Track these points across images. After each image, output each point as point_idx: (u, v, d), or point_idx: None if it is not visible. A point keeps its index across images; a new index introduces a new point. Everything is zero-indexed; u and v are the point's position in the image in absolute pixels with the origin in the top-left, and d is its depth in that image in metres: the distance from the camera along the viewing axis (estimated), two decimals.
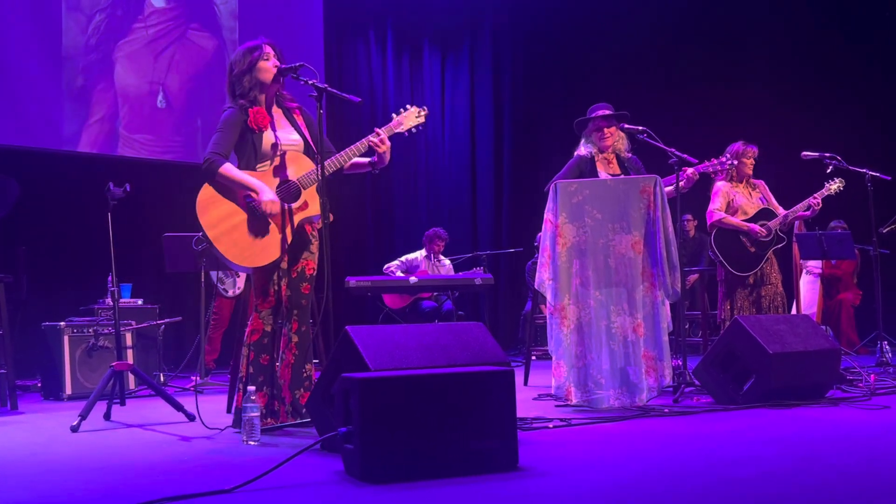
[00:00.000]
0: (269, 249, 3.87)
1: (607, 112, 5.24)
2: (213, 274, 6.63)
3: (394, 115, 4.19)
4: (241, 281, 6.85)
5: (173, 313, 6.66)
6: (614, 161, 5.27)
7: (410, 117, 4.17)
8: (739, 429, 3.71)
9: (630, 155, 5.32)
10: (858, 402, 4.39)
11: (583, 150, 5.29)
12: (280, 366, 4.02)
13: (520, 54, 10.90)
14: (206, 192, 3.88)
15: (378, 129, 4.06)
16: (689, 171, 5.06)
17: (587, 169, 5.19)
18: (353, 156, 4.03)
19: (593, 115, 5.27)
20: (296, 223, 3.92)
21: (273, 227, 3.88)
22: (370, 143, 4.02)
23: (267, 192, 3.84)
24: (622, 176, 5.11)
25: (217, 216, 3.85)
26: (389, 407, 2.76)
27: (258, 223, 3.87)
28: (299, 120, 4.10)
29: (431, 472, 2.77)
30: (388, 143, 4.07)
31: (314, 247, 4.06)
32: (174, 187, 7.39)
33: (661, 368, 4.47)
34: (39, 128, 7.60)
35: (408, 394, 2.80)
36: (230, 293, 6.80)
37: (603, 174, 5.18)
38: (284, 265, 3.99)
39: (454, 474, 2.78)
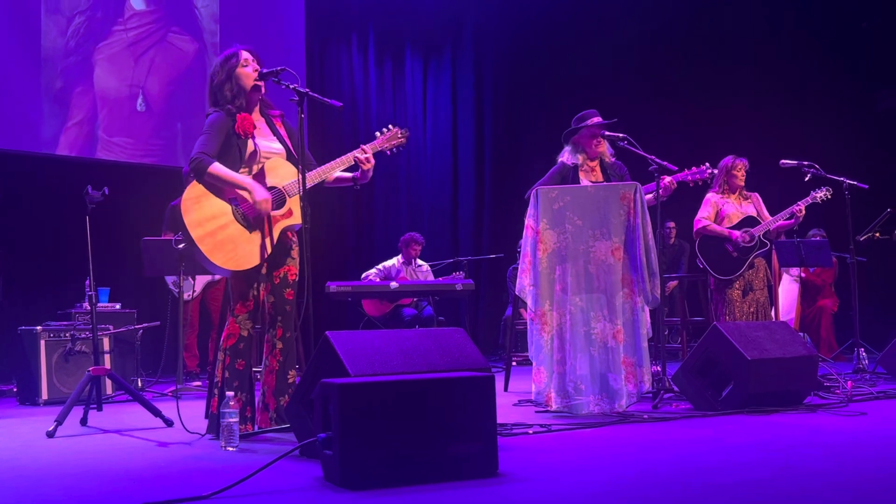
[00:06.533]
0: (251, 254, 3.85)
1: (600, 119, 5.25)
2: (169, 279, 6.58)
3: (377, 134, 4.19)
4: (196, 284, 6.82)
5: (152, 318, 6.61)
6: (598, 169, 5.29)
7: (393, 137, 4.20)
8: (718, 435, 3.73)
9: (613, 160, 5.33)
10: (836, 408, 4.42)
11: (568, 158, 5.27)
12: (263, 372, 4.00)
13: (502, 59, 10.93)
14: (193, 191, 3.85)
15: (364, 146, 4.07)
16: (667, 180, 5.10)
17: (570, 177, 5.20)
18: (336, 169, 4.03)
19: (590, 122, 5.23)
20: (278, 231, 3.91)
21: (256, 232, 3.87)
22: (356, 159, 4.01)
23: (260, 191, 3.83)
24: (603, 182, 5.13)
25: (202, 216, 3.83)
26: (369, 413, 2.75)
27: (242, 227, 3.86)
28: (280, 129, 4.08)
29: (411, 478, 2.76)
30: (374, 161, 4.08)
31: (295, 252, 4.04)
32: (153, 191, 7.34)
33: (641, 374, 4.48)
34: (17, 130, 7.53)
35: (387, 399, 2.79)
36: (185, 296, 6.76)
37: (585, 182, 5.19)
38: (264, 271, 3.98)
39: (434, 480, 2.77)
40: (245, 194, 3.83)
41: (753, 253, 5.97)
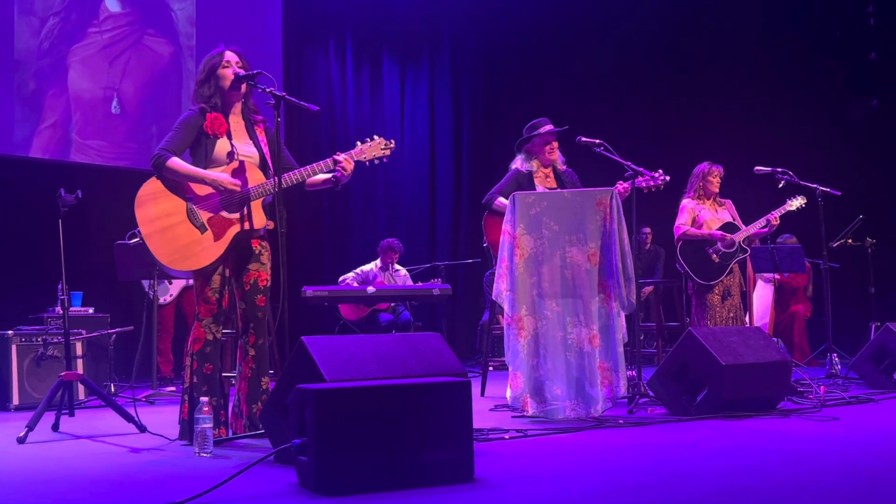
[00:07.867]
0: (198, 255, 3.82)
1: (551, 127, 5.34)
2: (145, 283, 6.52)
3: (358, 143, 4.08)
4: (173, 288, 6.75)
5: (125, 322, 6.54)
6: (552, 175, 5.37)
7: (375, 148, 4.07)
8: (693, 440, 3.74)
9: (565, 168, 5.41)
10: (809, 413, 4.45)
11: (522, 165, 5.37)
12: (237, 378, 3.96)
13: (479, 65, 10.94)
14: (150, 188, 3.87)
15: (344, 154, 3.96)
16: (622, 186, 5.11)
17: (525, 183, 5.26)
18: (315, 172, 3.95)
19: (542, 130, 5.34)
20: (234, 233, 3.87)
21: (209, 234, 3.84)
22: (335, 163, 3.92)
23: (225, 175, 3.81)
24: (579, 189, 5.17)
25: (154, 213, 3.84)
26: (344, 418, 2.74)
27: (194, 227, 3.84)
28: (261, 136, 4.05)
29: (387, 484, 2.75)
30: (353, 165, 3.98)
31: (265, 258, 4.01)
32: (127, 194, 7.23)
33: (616, 379, 4.50)
34: None
35: (363, 405, 2.78)
36: (161, 300, 6.70)
37: (540, 188, 5.26)
38: (227, 274, 3.94)
39: (410, 486, 2.77)
40: (207, 188, 3.81)
41: (735, 259, 6.06)
